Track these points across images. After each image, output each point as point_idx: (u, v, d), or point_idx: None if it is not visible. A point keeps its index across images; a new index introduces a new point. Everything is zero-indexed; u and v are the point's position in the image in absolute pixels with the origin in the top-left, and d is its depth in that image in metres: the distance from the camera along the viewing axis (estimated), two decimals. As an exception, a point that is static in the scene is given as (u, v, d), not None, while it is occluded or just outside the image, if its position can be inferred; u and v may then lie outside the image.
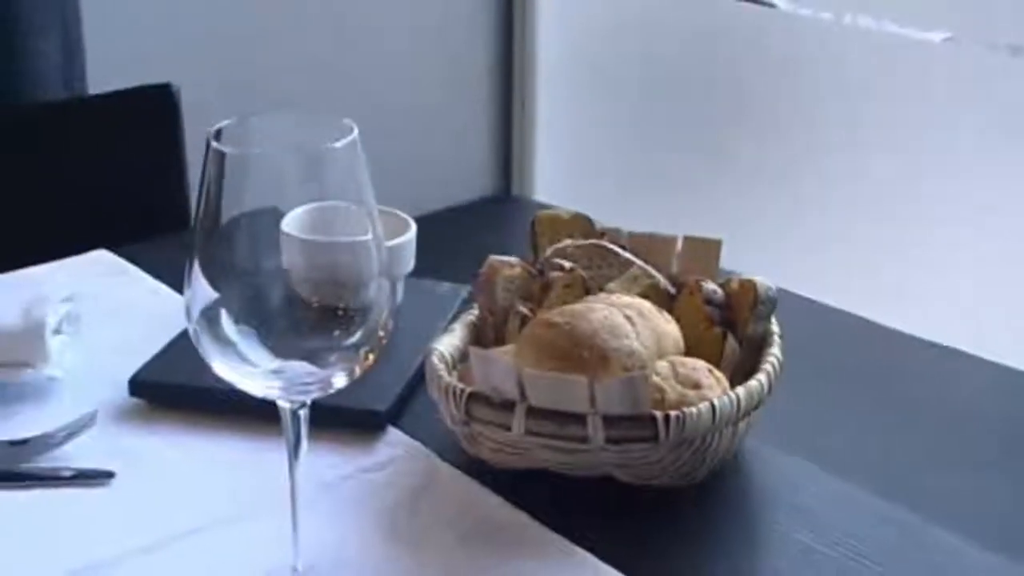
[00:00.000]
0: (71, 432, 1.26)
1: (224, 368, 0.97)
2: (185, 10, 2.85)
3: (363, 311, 0.97)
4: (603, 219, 1.37)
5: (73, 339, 1.39)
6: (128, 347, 1.42)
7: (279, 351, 0.97)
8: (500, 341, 1.28)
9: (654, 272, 1.31)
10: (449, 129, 3.40)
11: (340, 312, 0.98)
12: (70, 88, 2.10)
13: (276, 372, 0.97)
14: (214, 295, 0.96)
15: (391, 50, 3.19)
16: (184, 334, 1.36)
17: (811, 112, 3.16)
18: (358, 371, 0.99)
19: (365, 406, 1.25)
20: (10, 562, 1.12)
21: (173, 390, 1.33)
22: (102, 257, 1.66)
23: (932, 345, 2.12)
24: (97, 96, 2.00)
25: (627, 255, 1.32)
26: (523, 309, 1.28)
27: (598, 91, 3.60)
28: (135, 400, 1.34)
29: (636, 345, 1.17)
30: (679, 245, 1.35)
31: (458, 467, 1.24)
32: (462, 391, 1.17)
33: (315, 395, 1.00)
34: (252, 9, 2.96)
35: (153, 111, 1.95)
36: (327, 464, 1.10)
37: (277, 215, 0.97)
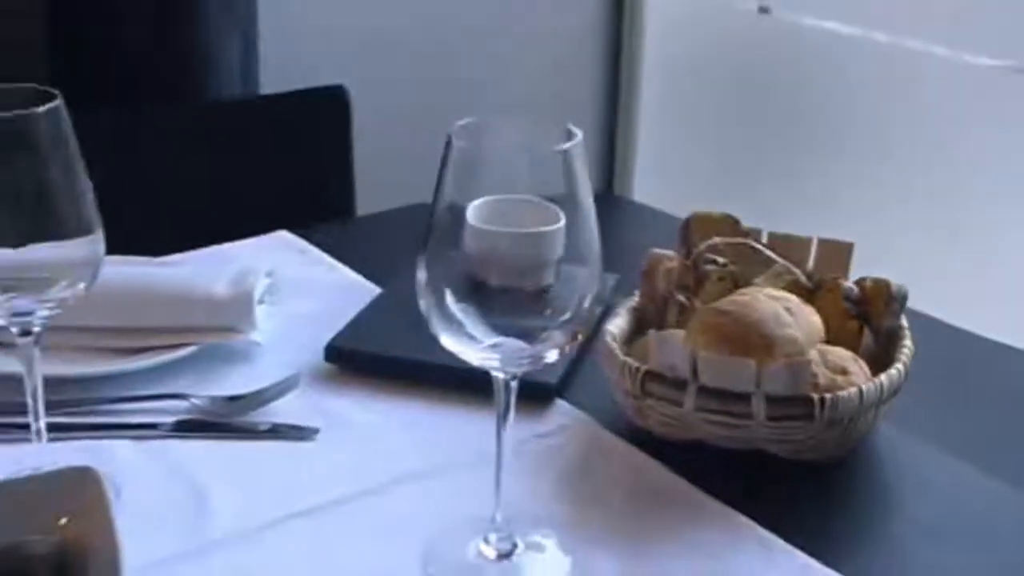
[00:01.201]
0: (278, 391, 1.26)
1: (450, 341, 0.97)
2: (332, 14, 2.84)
3: (573, 294, 0.96)
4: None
5: (272, 309, 1.39)
6: (314, 317, 1.43)
7: (498, 328, 0.96)
8: (659, 325, 1.28)
9: (794, 269, 1.30)
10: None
11: (552, 294, 0.97)
12: (246, 87, 2.11)
13: (495, 347, 0.97)
14: (443, 276, 0.95)
15: (509, 58, 3.18)
16: (370, 307, 1.38)
17: (893, 132, 3.15)
18: (567, 348, 0.98)
19: (538, 379, 1.25)
20: (232, 505, 1.13)
21: (365, 357, 1.33)
22: (283, 237, 1.66)
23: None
24: (276, 95, 2.00)
25: (769, 253, 1.31)
26: (681, 298, 1.28)
27: (695, 103, 3.59)
28: (328, 365, 1.33)
29: (796, 333, 1.17)
30: (814, 246, 1.34)
31: (620, 436, 1.23)
32: (638, 368, 1.17)
33: (527, 368, 1.00)
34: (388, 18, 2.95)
35: (326, 109, 1.95)
36: (511, 429, 1.09)
37: (503, 205, 0.97)
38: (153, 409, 1.25)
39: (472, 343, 0.97)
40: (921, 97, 3.12)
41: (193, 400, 1.26)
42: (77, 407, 1.24)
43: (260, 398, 1.26)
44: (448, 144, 0.94)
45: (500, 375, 1.00)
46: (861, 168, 3.24)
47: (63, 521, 0.97)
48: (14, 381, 1.21)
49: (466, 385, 1.24)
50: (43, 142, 1.02)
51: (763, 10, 3.54)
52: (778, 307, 1.18)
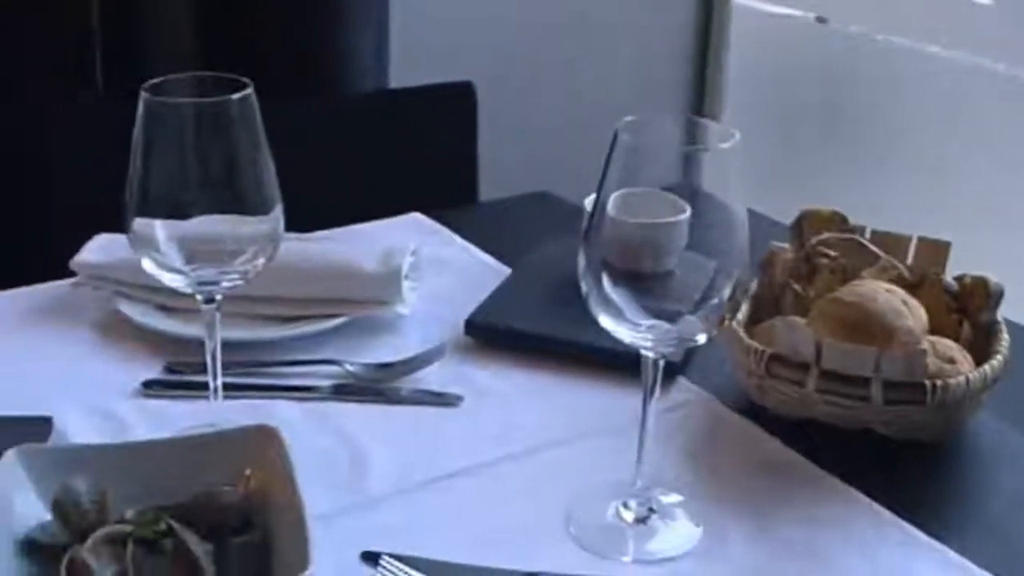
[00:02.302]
0: (426, 360, 1.25)
1: (608, 322, 0.95)
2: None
3: (720, 282, 0.94)
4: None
5: (414, 284, 1.37)
6: (451, 293, 1.42)
7: (652, 312, 0.94)
8: (775, 312, 1.25)
9: (898, 264, 1.27)
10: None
11: (700, 282, 0.95)
12: (378, 81, 2.08)
13: (649, 328, 0.95)
14: (600, 261, 0.93)
15: (609, 62, 3.13)
16: (504, 285, 1.36)
17: (939, 138, 3.11)
18: (714, 332, 0.96)
19: (664, 358, 1.22)
20: (387, 465, 1.12)
21: (502, 331, 1.31)
22: (417, 219, 1.64)
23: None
24: (410, 89, 1.98)
25: (874, 248, 1.29)
26: (796, 287, 1.25)
27: (762, 107, 3.55)
28: (467, 338, 1.32)
29: (911, 324, 1.14)
30: (913, 243, 1.32)
31: (737, 412, 1.21)
32: (763, 351, 1.14)
33: (675, 349, 0.98)
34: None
35: (454, 104, 1.93)
36: (637, 402, 1.07)
37: (653, 195, 0.95)
38: (311, 373, 1.24)
39: (627, 324, 0.95)
40: (965, 106, 3.08)
41: (347, 366, 1.24)
42: (245, 368, 1.22)
43: (409, 366, 1.24)
44: (614, 139, 0.91)
45: (650, 355, 0.97)
46: (910, 171, 3.19)
47: (248, 472, 0.95)
48: (186, 343, 1.21)
49: (597, 360, 1.23)
50: (235, 126, 1.01)
51: (820, 20, 3.52)
52: (895, 299, 1.15)
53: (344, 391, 1.21)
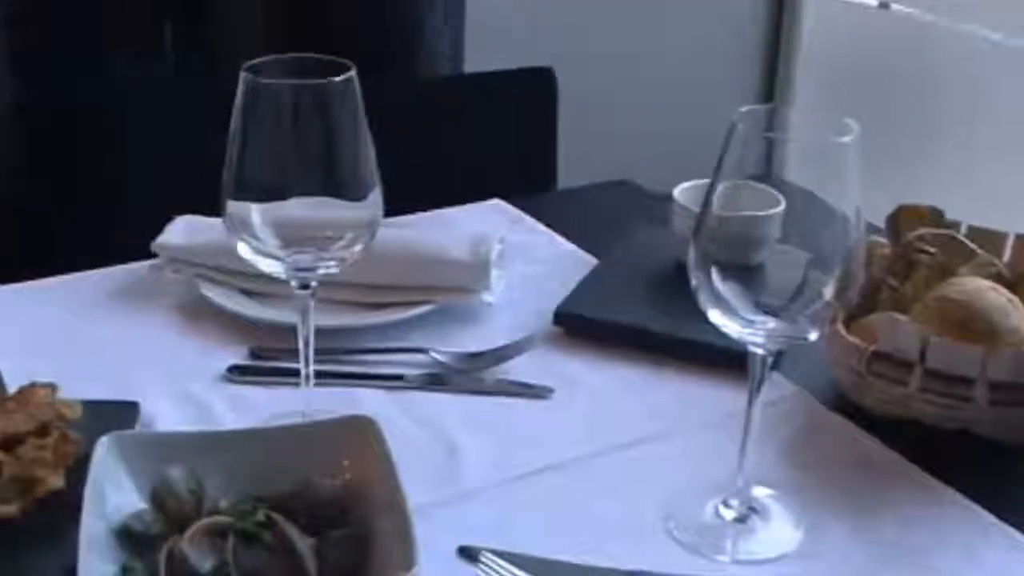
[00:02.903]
0: (516, 350, 1.22)
1: (717, 315, 0.92)
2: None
3: (830, 278, 0.90)
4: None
5: (501, 272, 1.34)
6: (537, 282, 1.39)
7: (763, 308, 0.91)
8: (871, 309, 1.21)
9: (996, 260, 1.23)
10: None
11: (812, 278, 0.91)
12: (453, 65, 2.05)
13: (760, 324, 0.91)
14: (711, 254, 0.90)
15: (676, 66, 3.08)
16: (592, 275, 1.33)
17: (1006, 128, 3.05)
18: (825, 329, 0.92)
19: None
20: (479, 457, 1.09)
21: (591, 322, 1.28)
22: (499, 206, 1.60)
23: None
24: (488, 73, 1.94)
25: (972, 245, 1.24)
26: (894, 283, 1.21)
27: (826, 94, 3.50)
28: (555, 328, 1.29)
29: (1019, 324, 1.10)
30: (1010, 240, 1.27)
31: (832, 409, 1.17)
32: (864, 348, 1.11)
33: (784, 345, 0.94)
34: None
35: (534, 89, 1.89)
36: (731, 398, 1.04)
37: (766, 192, 0.92)
38: (399, 361, 1.21)
39: (737, 320, 0.92)
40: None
41: (434, 354, 1.21)
42: (331, 355, 1.19)
43: (499, 355, 1.21)
44: (731, 128, 0.88)
45: (759, 351, 0.94)
46: (973, 160, 3.14)
47: (346, 463, 0.93)
48: (269, 328, 1.18)
49: (690, 353, 1.20)
50: (336, 109, 0.98)
51: (883, 6, 3.47)
52: (1001, 298, 1.11)
53: (433, 380, 1.18)
